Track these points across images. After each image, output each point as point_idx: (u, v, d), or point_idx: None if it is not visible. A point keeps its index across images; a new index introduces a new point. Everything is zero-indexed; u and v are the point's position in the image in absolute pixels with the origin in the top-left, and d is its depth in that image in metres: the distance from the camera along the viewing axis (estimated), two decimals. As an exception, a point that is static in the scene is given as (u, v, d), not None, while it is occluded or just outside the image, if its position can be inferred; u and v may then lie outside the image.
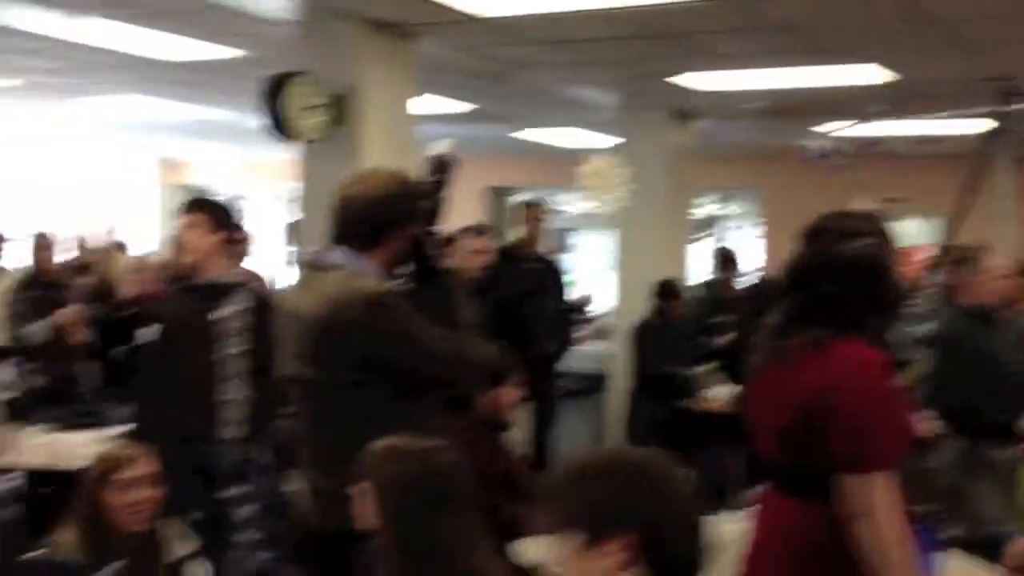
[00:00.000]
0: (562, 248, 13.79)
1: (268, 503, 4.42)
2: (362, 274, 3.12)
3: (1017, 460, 5.02)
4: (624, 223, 9.34)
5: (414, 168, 6.08)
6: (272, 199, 15.83)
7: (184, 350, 4.45)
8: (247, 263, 6.18)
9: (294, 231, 6.89)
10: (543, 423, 7.39)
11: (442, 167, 3.35)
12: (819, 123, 8.93)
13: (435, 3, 5.69)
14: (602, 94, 8.73)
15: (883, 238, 2.74)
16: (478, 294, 5.99)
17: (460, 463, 2.58)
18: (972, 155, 7.18)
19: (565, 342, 7.70)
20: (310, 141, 6.04)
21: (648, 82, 8.00)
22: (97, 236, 8.94)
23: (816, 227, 2.77)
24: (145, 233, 13.32)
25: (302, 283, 3.32)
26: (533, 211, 7.59)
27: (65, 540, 3.27)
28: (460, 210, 11.98)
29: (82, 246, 8.15)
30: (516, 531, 3.72)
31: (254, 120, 10.38)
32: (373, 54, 6.23)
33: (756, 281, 9.43)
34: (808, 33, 6.25)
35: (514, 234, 7.77)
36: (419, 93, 6.71)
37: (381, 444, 2.60)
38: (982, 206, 7.57)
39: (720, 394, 7.69)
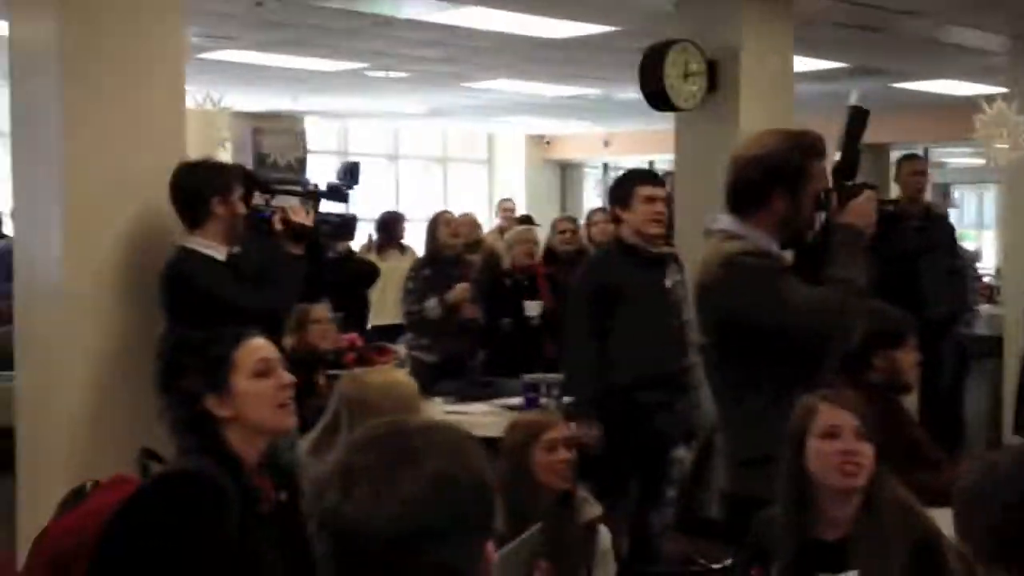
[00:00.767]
0: (945, 204, 13.11)
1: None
2: (739, 237, 2.99)
3: None
4: (1014, 177, 8.72)
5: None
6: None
7: (648, 316, 4.53)
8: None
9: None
10: (941, 389, 7.06)
11: (859, 118, 3.14)
12: None
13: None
14: (989, 38, 8.20)
15: None
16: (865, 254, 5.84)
17: None
18: None
19: (960, 303, 7.31)
20: (688, 109, 6.05)
21: (1043, 20, 7.44)
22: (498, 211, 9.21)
23: None
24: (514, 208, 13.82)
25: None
26: (913, 166, 7.23)
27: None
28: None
29: (472, 223, 8.49)
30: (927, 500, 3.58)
31: (621, 94, 10.67)
32: (753, 15, 6.15)
33: None
34: None
35: (896, 191, 7.45)
36: (796, 53, 6.58)
37: None
38: None
39: None
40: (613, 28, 7.34)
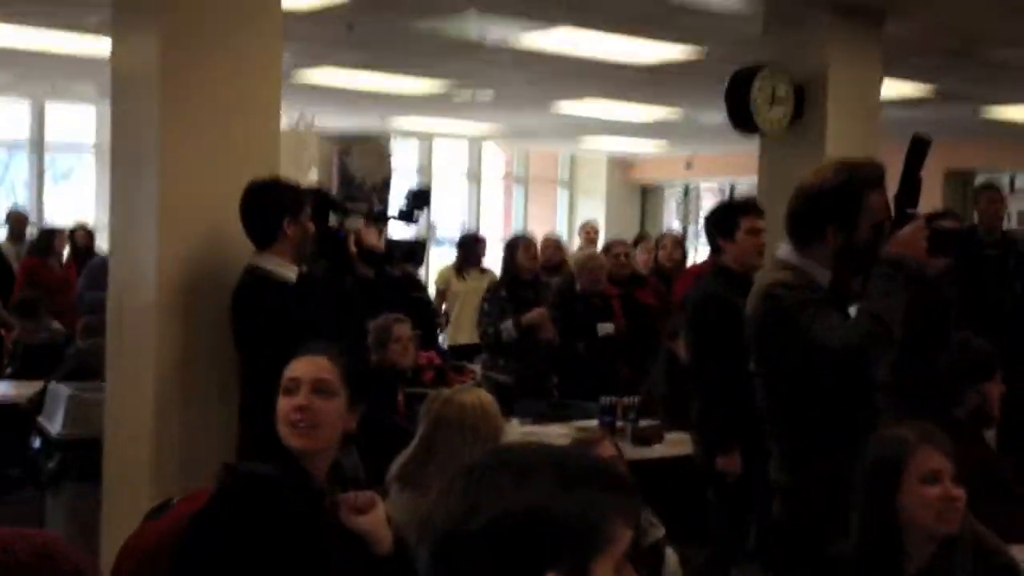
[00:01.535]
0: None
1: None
2: (791, 267, 3.06)
3: None
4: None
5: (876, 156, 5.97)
6: (717, 194, 15.94)
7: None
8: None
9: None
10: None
11: (920, 148, 3.10)
12: None
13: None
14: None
15: None
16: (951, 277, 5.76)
17: None
18: None
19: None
20: (774, 135, 6.03)
21: None
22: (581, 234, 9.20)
23: None
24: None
25: None
26: (991, 194, 7.13)
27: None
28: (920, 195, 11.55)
29: (556, 245, 8.48)
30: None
31: (705, 117, 10.64)
32: (841, 40, 6.10)
33: None
34: None
35: (975, 218, 7.34)
36: (883, 78, 6.52)
37: None
38: None
39: None
40: (700, 49, 7.33)
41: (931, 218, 3.03)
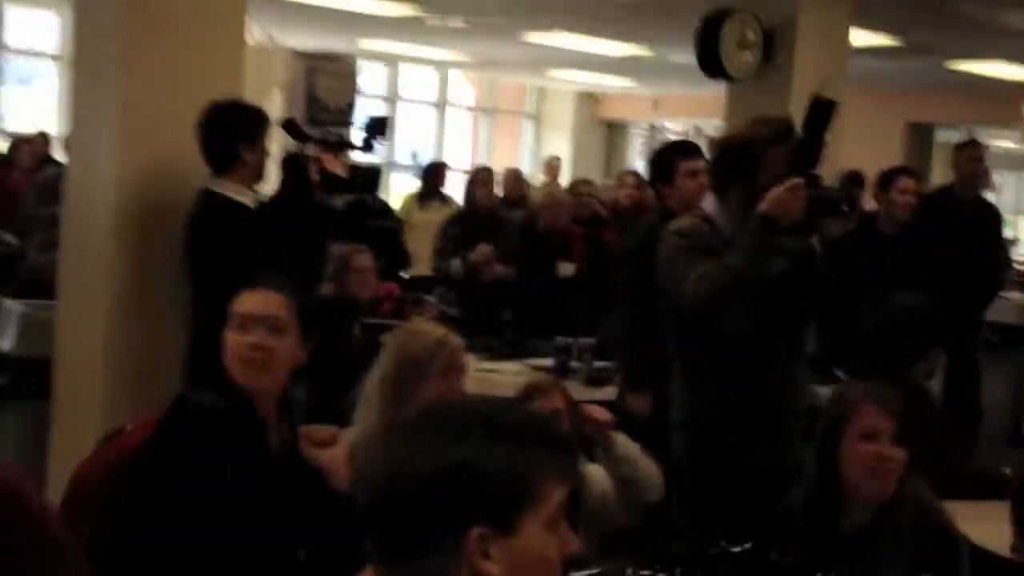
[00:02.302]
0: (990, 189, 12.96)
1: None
2: (700, 215, 3.24)
3: None
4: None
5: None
6: (684, 135, 15.94)
7: None
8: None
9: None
10: (963, 378, 7.01)
11: (821, 108, 3.12)
12: None
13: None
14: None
15: None
16: (907, 238, 5.79)
17: None
18: None
19: (992, 291, 7.22)
20: (742, 79, 6.01)
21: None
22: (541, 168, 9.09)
23: None
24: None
25: None
26: (970, 152, 7.08)
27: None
28: (879, 148, 11.61)
29: (516, 177, 8.43)
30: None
31: (674, 56, 10.58)
32: (812, -14, 6.10)
33: None
34: None
35: (940, 173, 7.37)
36: (853, 27, 6.51)
37: None
38: None
39: None
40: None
41: (813, 180, 3.03)
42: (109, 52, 4.05)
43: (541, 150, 15.37)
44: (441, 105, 15.46)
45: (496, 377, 5.38)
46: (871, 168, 6.57)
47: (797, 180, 3.01)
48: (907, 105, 12.22)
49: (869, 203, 6.90)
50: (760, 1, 6.00)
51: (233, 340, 2.48)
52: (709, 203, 3.27)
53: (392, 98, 14.58)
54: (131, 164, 4.02)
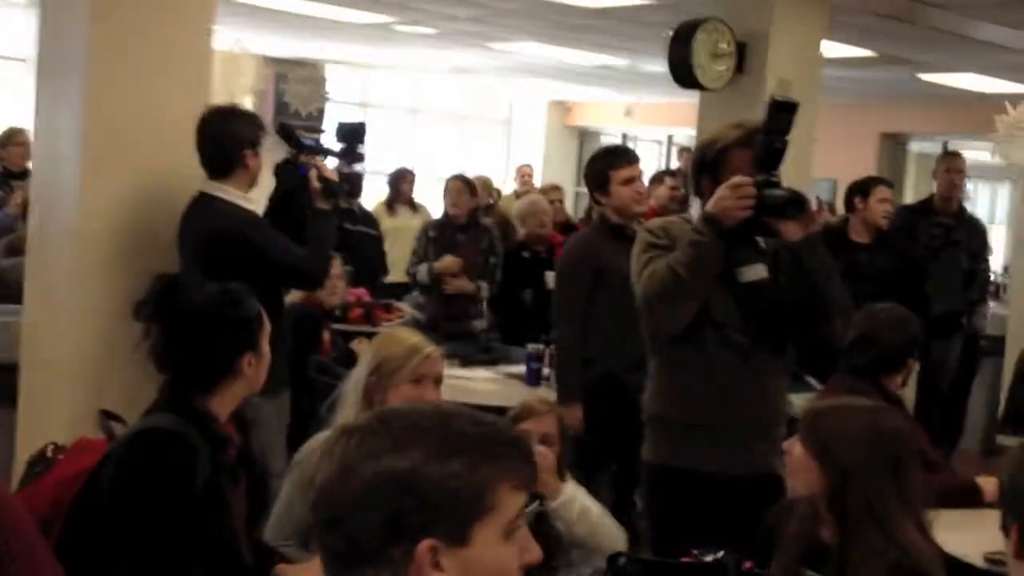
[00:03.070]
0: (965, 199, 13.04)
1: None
2: (679, 216, 3.40)
3: None
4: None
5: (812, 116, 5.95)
6: (654, 143, 15.97)
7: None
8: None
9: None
10: (943, 388, 7.03)
11: (779, 110, 3.04)
12: None
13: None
14: (1015, 35, 8.13)
15: None
16: (882, 246, 5.81)
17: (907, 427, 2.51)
18: None
19: (968, 304, 7.24)
20: (714, 89, 6.01)
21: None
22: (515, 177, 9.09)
23: None
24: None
25: None
26: (951, 163, 7.08)
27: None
28: (853, 158, 11.64)
29: (487, 187, 8.42)
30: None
31: (647, 65, 10.60)
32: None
33: None
34: None
35: (913, 184, 7.40)
36: (826, 38, 6.53)
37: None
38: None
39: None
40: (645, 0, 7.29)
41: (769, 183, 3.01)
42: (75, 57, 4.00)
43: (513, 157, 15.34)
44: (413, 111, 15.41)
45: (468, 384, 5.35)
46: (845, 178, 6.61)
47: (739, 179, 2.99)
48: (881, 116, 12.28)
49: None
50: (734, 11, 6.00)
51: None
52: (694, 205, 3.32)
53: (364, 104, 14.52)
54: (96, 170, 3.97)
